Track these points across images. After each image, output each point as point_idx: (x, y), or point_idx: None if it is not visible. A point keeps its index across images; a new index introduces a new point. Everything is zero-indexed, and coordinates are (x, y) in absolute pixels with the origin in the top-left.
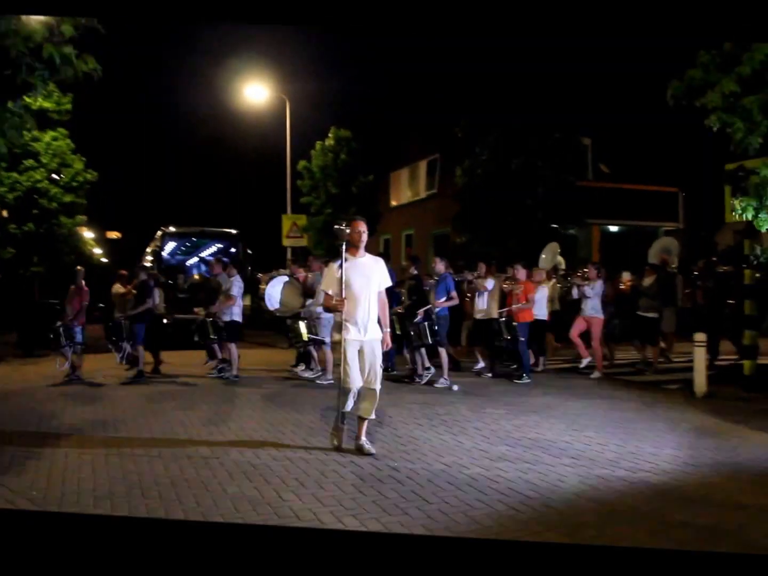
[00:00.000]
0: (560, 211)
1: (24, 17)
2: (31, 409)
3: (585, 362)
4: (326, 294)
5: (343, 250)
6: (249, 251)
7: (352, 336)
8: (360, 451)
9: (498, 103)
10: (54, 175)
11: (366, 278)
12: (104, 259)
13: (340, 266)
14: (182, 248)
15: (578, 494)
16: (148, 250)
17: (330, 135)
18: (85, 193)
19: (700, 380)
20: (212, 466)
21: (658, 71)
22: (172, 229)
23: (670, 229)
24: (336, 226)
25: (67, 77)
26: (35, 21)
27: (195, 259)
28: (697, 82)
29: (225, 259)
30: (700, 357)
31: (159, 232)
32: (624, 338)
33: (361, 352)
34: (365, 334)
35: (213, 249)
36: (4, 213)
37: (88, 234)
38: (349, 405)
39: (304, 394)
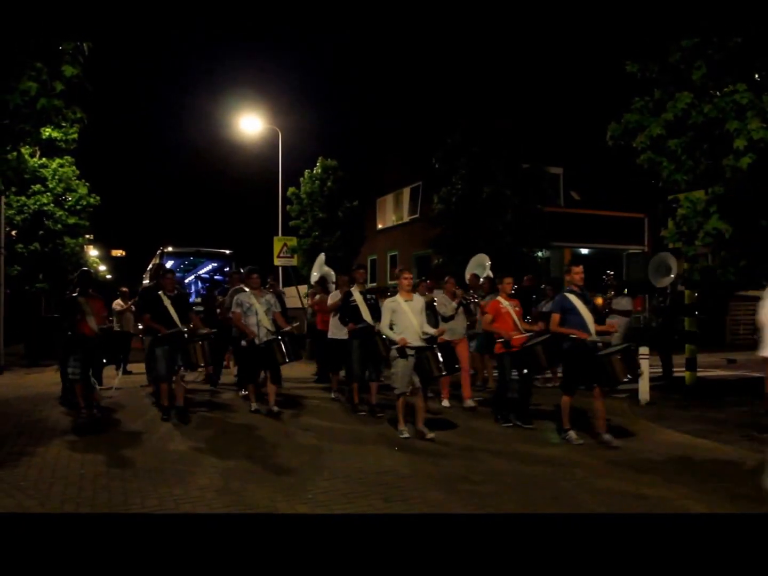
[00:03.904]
0: (528, 235)
1: (23, 79)
2: (29, 413)
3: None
4: None
5: None
6: (242, 270)
7: None
8: None
9: (471, 136)
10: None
11: None
12: (109, 276)
13: None
14: (180, 266)
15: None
16: (149, 268)
17: (318, 164)
18: (88, 216)
19: (644, 389)
20: (186, 462)
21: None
22: (170, 248)
23: (636, 252)
24: None
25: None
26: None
27: (192, 277)
28: (633, 125)
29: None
30: (644, 369)
31: (158, 252)
32: None
33: None
34: None
35: (208, 267)
36: (13, 233)
37: (93, 252)
38: None
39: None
